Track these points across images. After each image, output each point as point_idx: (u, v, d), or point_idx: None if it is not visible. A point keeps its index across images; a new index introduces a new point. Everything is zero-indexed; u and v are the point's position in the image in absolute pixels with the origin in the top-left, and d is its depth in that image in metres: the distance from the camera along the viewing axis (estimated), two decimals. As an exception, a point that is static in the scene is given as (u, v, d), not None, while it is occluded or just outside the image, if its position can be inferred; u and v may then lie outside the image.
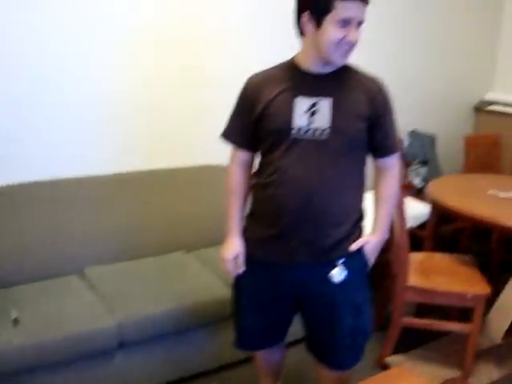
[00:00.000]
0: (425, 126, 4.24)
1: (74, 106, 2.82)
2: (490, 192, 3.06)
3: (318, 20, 1.71)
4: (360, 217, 1.94)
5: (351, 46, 1.73)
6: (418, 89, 4.30)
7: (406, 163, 4.14)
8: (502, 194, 3.02)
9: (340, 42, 1.70)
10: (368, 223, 1.99)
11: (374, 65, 3.59)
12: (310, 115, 1.77)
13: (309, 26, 1.75)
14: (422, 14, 4.17)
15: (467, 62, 4.59)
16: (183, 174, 3.12)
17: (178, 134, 3.17)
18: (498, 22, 4.66)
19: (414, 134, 4.14)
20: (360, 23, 1.72)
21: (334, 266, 1.85)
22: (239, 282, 2.03)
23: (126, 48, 2.91)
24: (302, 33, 1.81)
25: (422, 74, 4.29)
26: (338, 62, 1.77)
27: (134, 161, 3.03)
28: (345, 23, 1.68)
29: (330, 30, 1.69)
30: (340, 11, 1.67)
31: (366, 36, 3.64)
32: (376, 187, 1.98)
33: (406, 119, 4.10)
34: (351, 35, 1.70)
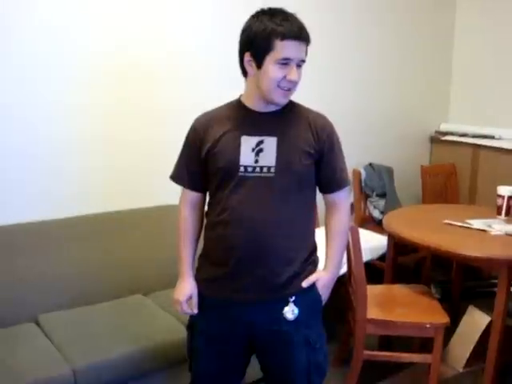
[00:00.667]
0: (382, 159, 4.31)
1: (25, 146, 2.79)
2: (446, 221, 3.10)
3: (259, 60, 1.73)
4: (312, 253, 1.93)
5: (292, 85, 1.76)
6: (374, 122, 4.38)
7: (365, 196, 4.20)
8: (457, 223, 3.06)
9: (280, 81, 1.73)
10: (320, 258, 2.00)
11: (331, 100, 3.72)
12: (257, 153, 1.78)
13: (251, 67, 1.78)
14: (378, 49, 4.30)
15: (422, 95, 4.71)
16: (139, 215, 3.10)
17: (135, 174, 3.17)
18: (449, 57, 4.82)
19: (371, 167, 4.20)
20: (301, 62, 1.75)
21: (286, 303, 1.84)
22: (193, 324, 2.00)
23: (82, 85, 2.92)
24: (245, 73, 1.83)
25: (377, 108, 4.38)
26: (279, 101, 1.79)
27: (91, 203, 3.00)
28: (285, 63, 1.71)
29: (271, 69, 1.72)
30: (279, 51, 1.69)
31: (323, 70, 3.83)
32: (326, 223, 1.98)
33: (363, 152, 4.21)
34: (291, 74, 1.72)
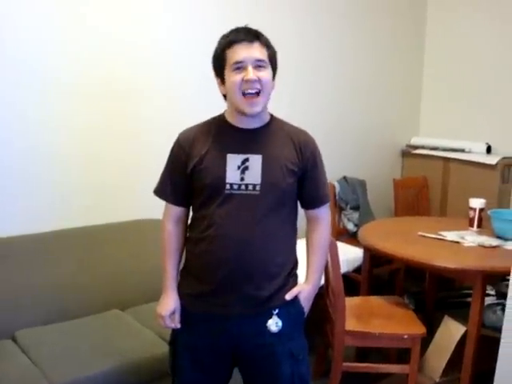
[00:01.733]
0: (355, 172, 4.37)
1: (5, 160, 2.77)
2: (420, 233, 3.15)
3: (222, 77, 1.81)
4: (294, 266, 1.96)
5: (254, 87, 1.75)
6: (347, 136, 4.44)
7: (339, 209, 4.24)
8: (431, 235, 3.12)
9: (240, 85, 1.75)
10: (301, 271, 2.01)
11: (304, 114, 3.76)
12: (242, 171, 1.81)
13: (221, 87, 1.84)
14: (349, 64, 4.36)
15: (393, 109, 4.80)
16: (117, 230, 3.08)
17: (115, 188, 3.16)
18: (420, 72, 4.92)
19: (345, 180, 4.25)
20: (258, 62, 1.76)
21: (270, 316, 1.86)
22: (176, 338, 2.00)
23: (61, 99, 2.91)
24: (224, 97, 1.88)
25: (350, 123, 4.45)
26: (248, 111, 1.79)
27: (68, 217, 2.97)
28: (239, 66, 1.75)
29: (229, 76, 1.78)
30: (230, 57, 1.76)
31: (294, 85, 3.87)
32: (307, 237, 2.01)
33: (336, 166, 4.25)
34: (247, 74, 1.74)
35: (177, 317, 1.95)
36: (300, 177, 1.87)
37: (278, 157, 1.83)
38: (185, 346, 1.95)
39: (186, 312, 1.95)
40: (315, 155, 1.91)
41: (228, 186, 1.80)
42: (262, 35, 1.81)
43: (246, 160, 1.81)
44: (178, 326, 1.96)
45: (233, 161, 1.81)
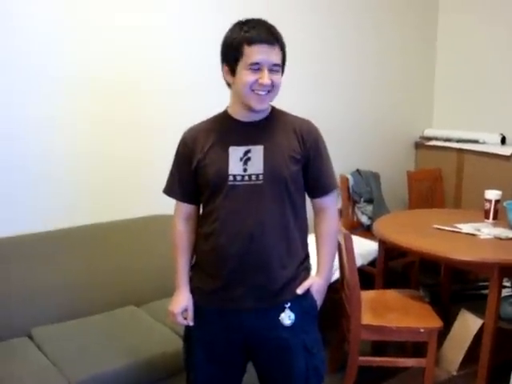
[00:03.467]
0: (368, 165, 4.34)
1: (12, 159, 2.77)
2: (435, 226, 3.13)
3: (233, 68, 1.79)
4: (305, 258, 1.95)
5: (265, 89, 1.77)
6: (360, 129, 4.41)
7: (353, 202, 4.22)
8: (446, 227, 3.09)
9: (253, 85, 1.76)
10: (312, 265, 2.01)
11: (317, 107, 3.74)
12: (245, 162, 1.82)
13: (228, 77, 1.83)
14: (361, 56, 4.33)
15: (406, 101, 4.76)
16: (129, 226, 3.08)
17: (123, 185, 3.15)
18: (432, 63, 4.88)
19: (358, 173, 4.23)
20: (274, 66, 1.77)
21: (282, 310, 1.86)
22: (190, 334, 2.00)
23: (68, 99, 2.90)
24: (228, 84, 1.87)
25: (362, 115, 4.42)
26: (255, 107, 1.81)
27: (79, 215, 2.97)
28: (255, 67, 1.74)
29: (243, 75, 1.76)
30: (249, 56, 1.74)
31: (309, 79, 3.85)
32: (315, 228, 2.00)
33: (349, 159, 4.24)
34: (263, 78, 1.75)
35: (190, 314, 1.96)
36: (304, 165, 1.88)
37: (280, 146, 1.84)
38: (199, 341, 1.96)
39: (198, 308, 1.95)
40: (318, 143, 1.91)
41: (231, 178, 1.81)
42: (280, 35, 1.80)
43: (248, 151, 1.82)
44: (191, 323, 1.96)
45: (235, 153, 1.82)
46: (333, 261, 2.03)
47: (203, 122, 1.95)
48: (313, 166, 1.90)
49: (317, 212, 1.99)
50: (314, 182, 1.93)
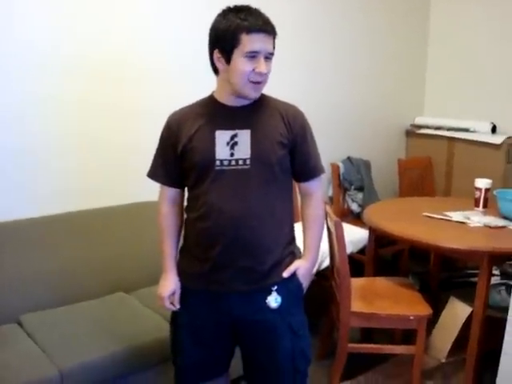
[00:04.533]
0: (359, 152, 4.34)
1: (7, 148, 2.74)
2: (425, 214, 3.13)
3: (227, 56, 1.77)
4: (290, 241, 1.97)
5: (261, 77, 1.78)
6: (351, 116, 4.40)
7: (343, 189, 4.22)
8: (436, 215, 3.10)
9: (249, 74, 1.76)
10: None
11: (307, 95, 3.72)
12: (231, 147, 1.82)
13: (220, 63, 1.82)
14: (352, 43, 4.31)
15: (397, 89, 4.75)
16: (118, 213, 3.06)
17: (111, 172, 3.13)
18: (424, 50, 4.87)
19: (349, 161, 4.22)
20: (269, 55, 1.78)
21: (269, 292, 1.88)
22: (177, 317, 2.02)
23: (56, 84, 2.87)
24: (215, 70, 1.87)
25: (353, 103, 4.40)
26: (250, 95, 1.82)
27: (68, 201, 2.95)
28: (252, 56, 1.74)
29: (239, 63, 1.75)
30: (246, 44, 1.73)
31: (300, 67, 3.83)
32: (302, 212, 2.02)
33: (340, 146, 4.24)
34: (260, 67, 1.75)
35: (176, 297, 1.98)
36: (291, 149, 1.88)
37: (267, 130, 1.85)
38: (185, 324, 1.98)
39: (185, 290, 1.97)
40: (304, 128, 1.92)
41: (218, 163, 1.82)
42: (274, 27, 1.80)
43: (235, 136, 1.83)
44: (178, 306, 1.98)
45: (222, 137, 1.82)
46: (319, 244, 2.04)
47: (188, 106, 1.95)
48: (299, 151, 1.91)
49: (303, 196, 2.01)
50: (301, 166, 1.94)
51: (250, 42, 1.73)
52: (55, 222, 2.86)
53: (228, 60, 1.78)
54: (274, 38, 1.80)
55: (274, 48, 1.81)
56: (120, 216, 3.08)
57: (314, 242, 2.01)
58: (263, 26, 1.75)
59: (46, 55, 2.81)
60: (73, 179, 2.99)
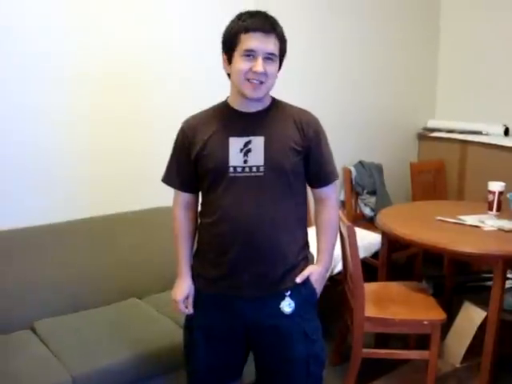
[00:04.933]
0: (371, 156, 4.32)
1: (12, 154, 2.76)
2: (439, 218, 3.11)
3: (229, 56, 1.80)
4: (303, 246, 1.97)
5: (258, 77, 1.76)
6: (363, 120, 4.38)
7: (356, 194, 4.21)
8: (450, 219, 3.08)
9: (247, 73, 1.76)
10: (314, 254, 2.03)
11: (320, 100, 3.72)
12: (245, 153, 1.82)
13: (226, 65, 1.84)
14: (364, 47, 4.30)
15: (409, 92, 4.73)
16: (131, 219, 3.07)
17: (123, 178, 3.14)
18: (435, 53, 4.85)
19: (361, 165, 4.21)
20: (269, 55, 1.76)
21: (282, 298, 1.88)
22: (191, 320, 2.02)
23: (68, 93, 2.88)
24: (228, 75, 1.88)
25: (365, 106, 4.38)
26: (249, 95, 1.80)
27: (80, 208, 2.96)
28: (249, 54, 1.75)
29: (237, 62, 1.77)
30: (243, 43, 1.75)
31: (312, 71, 3.83)
32: (316, 218, 2.02)
33: (352, 151, 4.23)
34: (256, 66, 1.75)
35: (190, 301, 1.99)
36: (305, 156, 1.88)
37: (281, 137, 1.84)
38: (199, 327, 1.98)
39: (200, 294, 1.98)
40: (318, 134, 1.91)
41: (232, 169, 1.82)
42: (279, 26, 1.81)
43: (249, 142, 1.83)
44: (191, 311, 1.99)
45: (235, 144, 1.82)
46: (333, 249, 2.04)
47: (203, 112, 1.95)
48: (314, 157, 1.90)
49: (317, 201, 2.01)
50: (315, 172, 1.94)
51: (247, 40, 1.74)
52: (68, 229, 2.87)
53: (230, 61, 1.81)
54: (281, 40, 1.79)
55: (282, 51, 1.81)
56: (132, 222, 3.09)
57: (328, 247, 2.00)
58: (261, 24, 1.75)
59: (58, 66, 2.84)
60: (84, 186, 3.00)
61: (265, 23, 1.76)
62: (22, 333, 2.52)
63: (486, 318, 2.83)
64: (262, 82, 1.78)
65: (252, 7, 1.84)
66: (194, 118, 1.95)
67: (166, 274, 2.56)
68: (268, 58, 1.76)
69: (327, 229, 2.00)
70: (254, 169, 1.82)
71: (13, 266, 2.64)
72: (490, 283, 2.79)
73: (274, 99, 1.93)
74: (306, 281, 1.93)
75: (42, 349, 2.39)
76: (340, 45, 4.15)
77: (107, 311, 2.73)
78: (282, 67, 1.88)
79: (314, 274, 1.94)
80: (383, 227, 3.09)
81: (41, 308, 2.64)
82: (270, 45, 1.76)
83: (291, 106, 1.95)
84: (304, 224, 1.98)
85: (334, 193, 2.01)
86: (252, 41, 1.74)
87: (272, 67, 1.79)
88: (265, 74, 1.76)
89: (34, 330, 2.55)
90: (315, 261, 1.99)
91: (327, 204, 1.99)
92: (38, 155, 2.84)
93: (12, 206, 2.79)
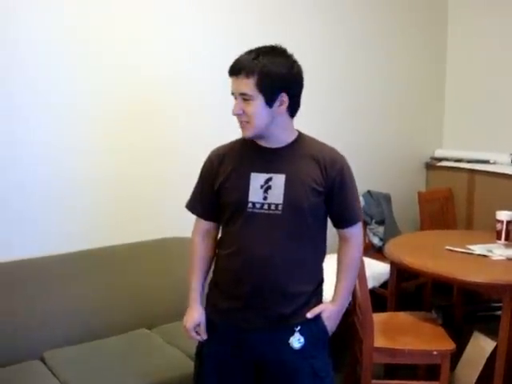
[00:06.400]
0: (379, 186, 4.33)
1: (25, 183, 2.80)
2: (447, 247, 3.11)
3: None
4: (319, 284, 1.96)
5: (239, 118, 1.83)
6: (370, 150, 4.41)
7: (364, 223, 4.21)
8: (458, 249, 3.08)
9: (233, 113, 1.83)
10: (329, 288, 2.01)
11: (326, 130, 3.73)
12: (265, 190, 1.83)
13: None
14: (369, 76, 4.34)
15: (416, 122, 4.76)
16: (143, 248, 3.09)
17: (140, 207, 3.17)
18: (442, 82, 4.89)
19: (369, 195, 4.22)
20: (243, 95, 1.79)
21: (292, 333, 1.87)
22: (202, 347, 2.02)
23: (88, 121, 2.94)
24: None
25: (371, 136, 4.42)
26: (243, 135, 1.87)
27: (93, 238, 2.99)
28: (235, 97, 1.82)
29: None
30: None
31: (318, 100, 3.86)
32: (338, 255, 2.00)
33: (360, 180, 4.13)
34: (233, 108, 1.82)
35: (202, 328, 1.98)
36: (327, 196, 1.87)
37: (302, 176, 1.84)
38: (209, 355, 1.98)
39: (211, 322, 1.98)
40: (343, 174, 1.89)
41: (250, 205, 1.83)
42: (250, 63, 1.76)
43: (270, 179, 1.84)
44: (205, 337, 1.99)
45: (256, 180, 1.84)
46: (351, 289, 2.04)
47: (230, 143, 1.99)
48: (337, 198, 1.89)
49: (341, 239, 2.00)
50: (338, 213, 1.93)
51: (231, 83, 1.82)
52: (78, 259, 2.89)
53: None
54: (257, 76, 1.74)
55: (260, 82, 1.75)
56: (145, 252, 3.11)
57: (347, 286, 1.99)
58: (231, 68, 1.81)
59: (73, 95, 2.89)
60: (100, 215, 3.04)
61: (235, 65, 1.81)
62: (31, 363, 2.52)
63: (495, 348, 2.81)
64: (247, 122, 1.81)
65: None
66: (220, 148, 1.98)
67: (176, 305, 2.56)
68: (244, 98, 1.79)
69: (349, 268, 1.98)
70: (273, 207, 1.82)
71: (24, 295, 2.66)
72: (499, 313, 2.78)
73: (299, 134, 1.93)
74: (318, 318, 1.91)
75: (51, 379, 2.39)
76: (347, 74, 4.19)
77: (117, 341, 2.73)
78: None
79: (325, 311, 1.93)
80: (392, 257, 3.09)
81: (51, 338, 2.64)
82: (241, 85, 1.78)
83: (316, 143, 1.94)
84: (321, 263, 1.97)
85: (358, 232, 1.99)
86: (232, 84, 1.82)
87: (250, 107, 1.79)
88: (242, 114, 1.81)
89: (43, 360, 2.56)
90: (328, 295, 1.98)
91: (351, 244, 1.97)
92: (55, 187, 2.88)
93: (25, 235, 2.82)
